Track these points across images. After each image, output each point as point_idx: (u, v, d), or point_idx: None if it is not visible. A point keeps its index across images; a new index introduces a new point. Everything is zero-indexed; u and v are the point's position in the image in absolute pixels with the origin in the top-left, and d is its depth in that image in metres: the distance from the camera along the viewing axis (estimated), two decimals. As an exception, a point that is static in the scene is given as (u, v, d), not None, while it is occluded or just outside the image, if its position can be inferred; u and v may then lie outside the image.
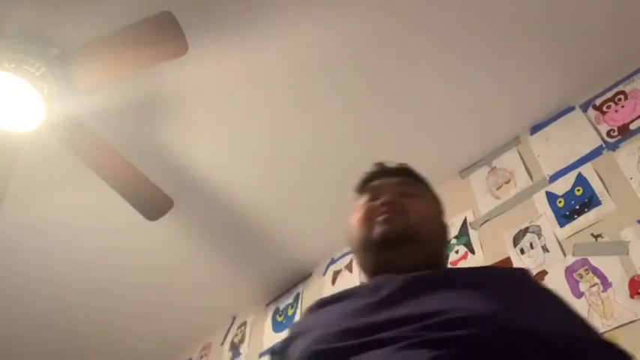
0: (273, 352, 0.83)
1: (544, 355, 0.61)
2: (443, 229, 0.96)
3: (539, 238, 1.75)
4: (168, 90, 1.85)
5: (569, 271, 1.60)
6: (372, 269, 0.87)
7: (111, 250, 2.41)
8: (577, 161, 1.79)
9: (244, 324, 2.74)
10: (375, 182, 0.97)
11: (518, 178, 1.95)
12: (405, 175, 0.99)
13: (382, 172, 1.00)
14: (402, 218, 0.85)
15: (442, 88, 1.91)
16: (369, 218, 0.88)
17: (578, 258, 1.61)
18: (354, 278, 2.29)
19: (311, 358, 0.67)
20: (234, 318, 2.84)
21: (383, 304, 0.70)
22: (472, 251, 1.92)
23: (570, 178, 1.78)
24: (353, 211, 0.95)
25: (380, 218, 0.86)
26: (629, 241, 1.52)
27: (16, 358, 2.87)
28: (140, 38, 1.50)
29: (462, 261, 1.92)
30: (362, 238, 0.88)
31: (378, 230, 0.85)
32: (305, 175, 2.18)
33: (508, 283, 0.76)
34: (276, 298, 2.66)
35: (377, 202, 0.89)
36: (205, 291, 2.68)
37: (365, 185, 0.99)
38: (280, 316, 2.57)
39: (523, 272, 0.85)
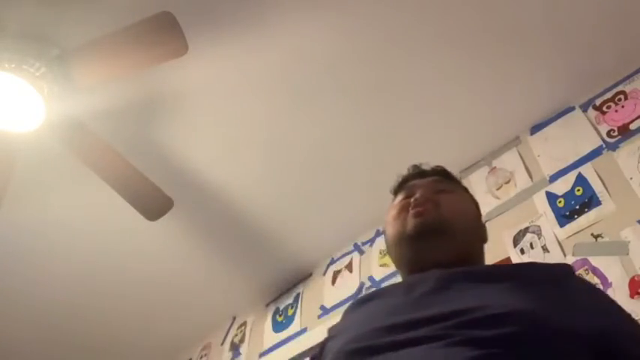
0: (313, 357, 0.83)
1: (585, 353, 0.61)
2: (479, 227, 0.96)
3: (539, 238, 1.75)
4: (169, 90, 1.85)
5: (569, 271, 1.60)
6: (406, 264, 0.88)
7: (111, 250, 2.41)
8: (577, 161, 1.79)
9: (244, 324, 2.74)
10: (411, 182, 0.99)
11: (518, 178, 1.95)
12: (440, 174, 1.00)
13: (418, 173, 1.01)
14: (435, 211, 0.86)
15: (442, 88, 1.91)
16: (402, 214, 0.89)
17: (578, 258, 1.61)
18: (354, 278, 2.29)
19: (345, 356, 0.66)
20: (234, 318, 2.84)
21: (418, 302, 0.70)
22: (472, 251, 1.92)
23: (570, 178, 1.78)
24: (390, 208, 0.96)
25: (413, 211, 0.86)
26: (629, 241, 1.52)
27: (16, 358, 2.87)
28: (140, 38, 1.50)
29: (462, 261, 1.92)
30: (396, 232, 0.89)
31: (410, 223, 0.85)
32: (305, 175, 2.18)
33: (549, 279, 0.75)
34: (276, 298, 2.66)
35: (410, 199, 0.90)
36: (205, 291, 2.68)
37: (401, 186, 1.00)
38: (280, 316, 2.57)
39: (566, 268, 0.83)
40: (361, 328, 0.70)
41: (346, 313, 0.87)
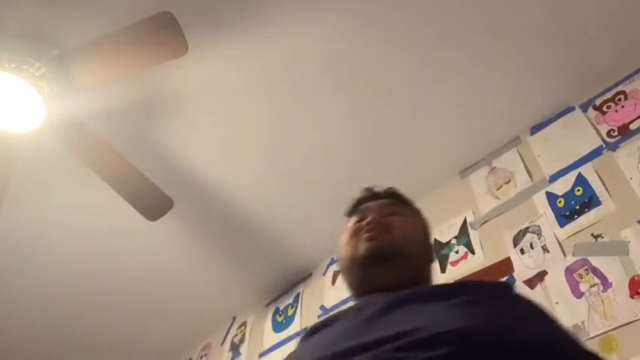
0: None
1: None
2: (428, 248, 0.99)
3: (539, 238, 1.75)
4: (169, 90, 1.85)
5: (569, 272, 1.60)
6: (358, 287, 0.89)
7: (111, 251, 2.41)
8: (577, 161, 1.79)
9: (244, 324, 2.74)
10: (363, 205, 1.00)
11: (519, 178, 1.95)
12: (392, 197, 1.02)
13: (371, 196, 1.03)
14: (386, 235, 0.88)
15: (442, 88, 1.91)
16: (354, 237, 0.91)
17: (578, 258, 1.61)
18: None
19: None
20: (234, 318, 2.84)
21: (364, 326, 0.70)
22: (472, 251, 1.92)
23: (570, 178, 1.78)
24: (343, 232, 0.97)
25: (365, 236, 0.88)
26: (629, 242, 1.52)
27: (17, 357, 2.87)
28: (140, 38, 1.50)
29: (462, 261, 1.92)
30: (348, 256, 0.90)
31: (362, 247, 0.87)
32: (305, 175, 2.18)
33: (493, 295, 0.76)
34: (276, 298, 2.66)
35: (363, 222, 0.91)
36: (205, 291, 2.68)
37: (354, 209, 1.02)
38: (280, 316, 2.57)
39: (505, 286, 0.87)
40: (309, 357, 0.69)
41: (301, 342, 0.85)
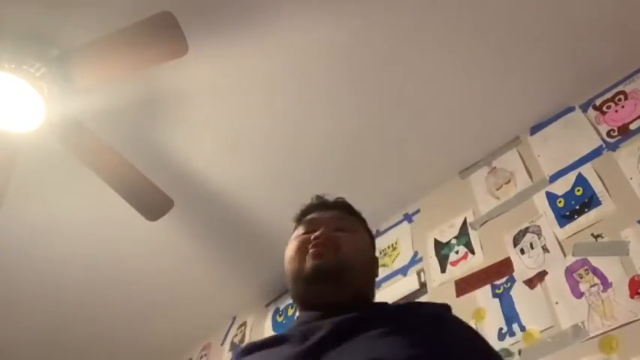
0: None
1: None
2: (373, 262, 0.99)
3: (539, 239, 1.75)
4: (169, 90, 1.85)
5: (569, 272, 1.60)
6: (302, 302, 0.91)
7: (110, 251, 2.41)
8: (577, 161, 1.79)
9: (244, 324, 2.74)
10: (312, 215, 1.01)
11: (519, 178, 1.95)
12: (341, 208, 1.02)
13: (319, 205, 1.03)
14: (333, 253, 0.88)
15: (442, 87, 1.91)
16: (301, 251, 0.91)
17: (578, 258, 1.61)
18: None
19: None
20: (234, 318, 2.84)
21: (309, 354, 0.71)
22: (472, 251, 1.92)
23: (570, 178, 1.78)
24: (290, 242, 0.98)
25: (311, 252, 0.89)
26: (629, 242, 1.52)
27: (16, 357, 2.87)
28: (140, 39, 1.50)
29: (462, 261, 1.92)
30: (294, 270, 0.91)
31: (308, 264, 0.88)
32: (305, 175, 2.18)
33: (429, 321, 0.78)
34: (276, 298, 2.66)
35: (311, 236, 0.91)
36: (205, 291, 2.68)
37: (302, 217, 1.03)
38: (280, 316, 2.57)
39: (443, 309, 0.87)
40: None
41: (238, 357, 0.86)
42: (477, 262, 1.87)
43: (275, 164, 2.14)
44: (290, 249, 0.95)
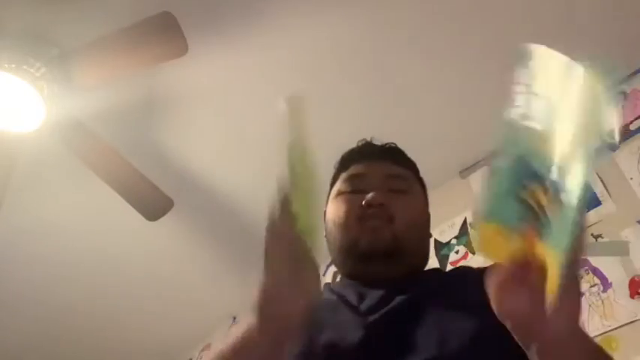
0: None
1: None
2: (428, 223, 0.91)
3: (539, 239, 1.74)
4: (168, 90, 1.85)
5: (569, 272, 1.60)
6: (351, 275, 0.85)
7: (110, 251, 2.40)
8: (577, 161, 1.79)
9: (244, 324, 2.74)
10: (360, 167, 0.91)
11: (519, 178, 1.95)
12: (392, 157, 0.94)
13: (368, 153, 0.94)
14: (389, 228, 0.81)
15: (443, 88, 1.91)
16: (355, 221, 0.83)
17: (578, 258, 1.61)
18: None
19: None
20: (234, 318, 2.84)
21: (379, 326, 0.71)
22: (472, 251, 1.92)
23: (570, 178, 1.78)
24: (333, 198, 0.89)
25: (367, 225, 0.82)
26: (629, 242, 1.52)
27: (16, 357, 2.87)
28: (140, 38, 1.50)
29: (462, 261, 1.92)
30: (345, 243, 0.84)
31: (364, 242, 0.81)
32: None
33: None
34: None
35: (363, 200, 0.83)
36: (205, 291, 2.68)
37: (347, 166, 0.93)
38: (280, 316, 2.56)
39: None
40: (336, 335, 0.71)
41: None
42: (477, 262, 1.87)
43: (275, 164, 2.14)
44: (336, 211, 0.86)
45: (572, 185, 0.47)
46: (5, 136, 1.68)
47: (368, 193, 0.83)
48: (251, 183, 2.21)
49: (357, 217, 0.83)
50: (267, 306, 0.60)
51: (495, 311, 0.55)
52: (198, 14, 1.62)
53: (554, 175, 0.50)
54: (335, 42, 1.75)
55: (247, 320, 0.61)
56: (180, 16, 1.46)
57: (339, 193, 0.88)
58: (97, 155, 1.81)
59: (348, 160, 0.94)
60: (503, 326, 0.55)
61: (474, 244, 1.93)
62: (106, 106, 1.81)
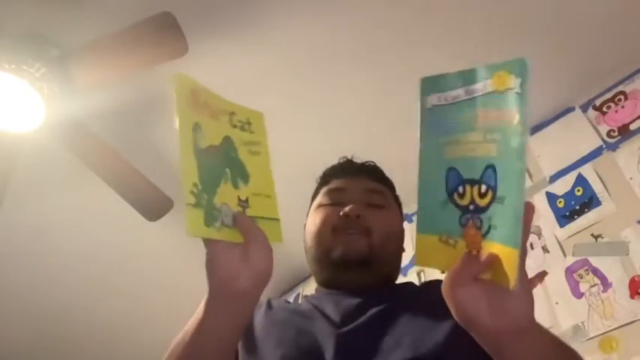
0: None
1: None
2: (402, 237, 0.93)
3: (539, 239, 1.75)
4: (168, 90, 1.84)
5: (570, 272, 1.60)
6: (326, 283, 0.87)
7: (110, 251, 2.40)
8: (577, 162, 1.80)
9: (244, 324, 2.73)
10: (340, 182, 0.94)
11: (519, 178, 1.95)
12: (371, 175, 0.96)
13: (348, 169, 0.97)
14: (364, 239, 0.83)
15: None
16: (327, 229, 0.86)
17: (578, 258, 1.61)
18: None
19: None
20: (234, 318, 2.84)
21: (351, 337, 0.72)
22: (472, 251, 1.92)
23: (570, 178, 1.78)
24: (313, 210, 0.92)
25: (342, 237, 0.84)
26: (629, 242, 1.52)
27: (16, 357, 2.87)
28: (140, 39, 1.50)
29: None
30: (320, 251, 0.86)
31: (338, 251, 0.83)
32: (305, 175, 2.17)
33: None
34: (277, 298, 2.66)
35: (341, 212, 0.85)
36: (206, 291, 2.67)
37: (327, 181, 0.96)
38: (280, 316, 2.56)
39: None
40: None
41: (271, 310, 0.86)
42: (476, 263, 1.87)
43: (275, 164, 2.14)
44: (315, 221, 0.89)
45: (510, 180, 0.48)
46: (5, 136, 1.68)
47: (346, 205, 0.86)
48: (251, 183, 2.21)
49: (333, 227, 0.85)
50: (213, 269, 0.65)
51: (457, 318, 0.55)
52: (198, 14, 1.62)
53: (488, 175, 0.50)
54: (335, 42, 1.75)
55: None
56: (180, 16, 1.46)
57: (319, 206, 0.92)
58: (97, 155, 1.81)
59: (329, 175, 0.98)
60: (471, 337, 0.56)
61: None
62: (106, 107, 1.81)
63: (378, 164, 1.00)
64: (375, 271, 0.83)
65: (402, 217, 0.97)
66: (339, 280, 0.84)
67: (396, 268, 0.91)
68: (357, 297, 0.78)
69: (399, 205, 0.98)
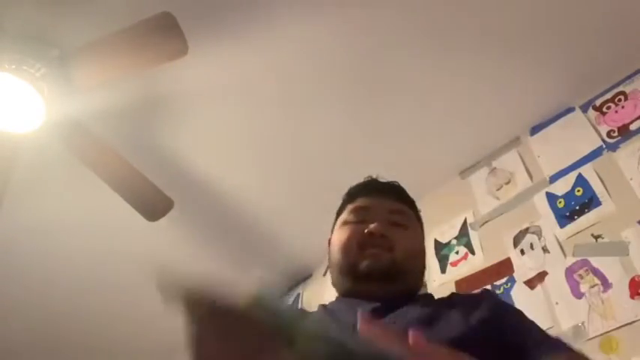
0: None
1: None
2: (423, 255, 0.97)
3: (539, 239, 1.75)
4: (169, 91, 1.85)
5: (570, 272, 1.60)
6: (348, 293, 0.89)
7: (111, 251, 2.40)
8: (577, 162, 1.79)
9: (244, 324, 2.73)
10: (365, 200, 0.97)
11: (519, 178, 1.95)
12: (395, 195, 1.00)
13: (373, 188, 1.00)
14: (388, 255, 0.88)
15: (442, 88, 1.91)
16: (353, 245, 0.89)
17: (578, 259, 1.61)
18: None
19: None
20: (234, 318, 2.84)
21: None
22: (472, 252, 1.92)
23: (570, 178, 1.78)
24: (339, 227, 0.95)
25: (368, 252, 0.88)
26: (629, 242, 1.52)
27: (16, 357, 2.87)
28: (140, 39, 1.50)
29: (462, 262, 1.92)
30: (345, 264, 0.89)
31: (364, 265, 0.87)
32: (305, 176, 2.18)
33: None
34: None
35: (366, 230, 0.89)
36: (205, 291, 2.67)
37: (352, 199, 0.99)
38: (280, 316, 2.56)
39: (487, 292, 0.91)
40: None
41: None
42: (477, 263, 1.87)
43: (275, 165, 2.14)
44: (340, 237, 0.93)
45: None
46: (5, 136, 1.68)
47: (371, 223, 0.90)
48: (251, 183, 2.21)
49: (358, 244, 0.89)
50: None
51: None
52: (198, 14, 1.62)
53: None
54: (335, 44, 1.75)
55: None
56: (180, 16, 1.46)
57: (345, 223, 0.95)
58: (97, 155, 1.81)
59: (354, 193, 1.01)
60: (487, 335, 0.58)
61: None
62: (106, 107, 1.81)
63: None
64: (397, 285, 0.87)
65: (423, 236, 1.01)
66: (360, 289, 0.86)
67: (416, 284, 0.94)
68: (374, 303, 0.81)
69: (421, 224, 1.02)
